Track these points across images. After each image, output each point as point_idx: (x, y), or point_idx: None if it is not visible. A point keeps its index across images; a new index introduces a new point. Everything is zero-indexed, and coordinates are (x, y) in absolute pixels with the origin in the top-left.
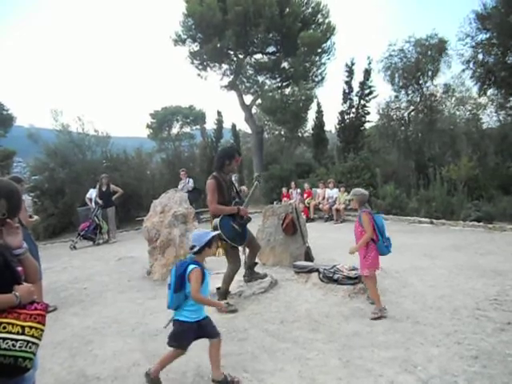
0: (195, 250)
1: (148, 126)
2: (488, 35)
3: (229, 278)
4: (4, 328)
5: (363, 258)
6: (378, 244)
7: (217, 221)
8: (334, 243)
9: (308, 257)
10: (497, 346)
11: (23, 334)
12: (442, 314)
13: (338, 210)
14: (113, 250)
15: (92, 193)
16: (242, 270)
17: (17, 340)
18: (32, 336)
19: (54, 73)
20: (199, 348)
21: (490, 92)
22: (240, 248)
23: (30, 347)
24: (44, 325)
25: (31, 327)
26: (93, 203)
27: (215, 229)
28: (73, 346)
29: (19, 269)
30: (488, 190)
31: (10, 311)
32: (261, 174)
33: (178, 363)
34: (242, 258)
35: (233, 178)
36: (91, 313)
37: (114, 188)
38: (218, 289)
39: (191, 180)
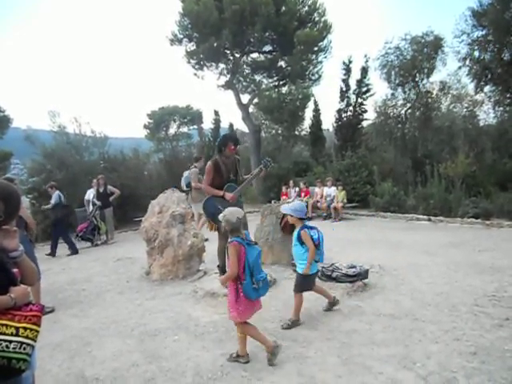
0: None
1: (145, 127)
2: (484, 32)
3: (221, 254)
4: None
5: (235, 300)
6: (243, 284)
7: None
8: (332, 241)
9: None
10: (495, 341)
11: (17, 335)
12: (441, 311)
13: (336, 209)
14: (111, 250)
15: (90, 194)
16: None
17: (11, 341)
18: (26, 337)
19: (50, 74)
20: (198, 348)
21: (486, 89)
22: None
23: (25, 348)
24: (39, 326)
25: (26, 328)
26: (90, 204)
27: (204, 207)
28: (71, 347)
29: (15, 271)
30: (485, 187)
31: (5, 313)
32: (269, 160)
33: (177, 364)
34: None
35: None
36: (90, 314)
37: (111, 189)
38: (218, 266)
39: (57, 194)
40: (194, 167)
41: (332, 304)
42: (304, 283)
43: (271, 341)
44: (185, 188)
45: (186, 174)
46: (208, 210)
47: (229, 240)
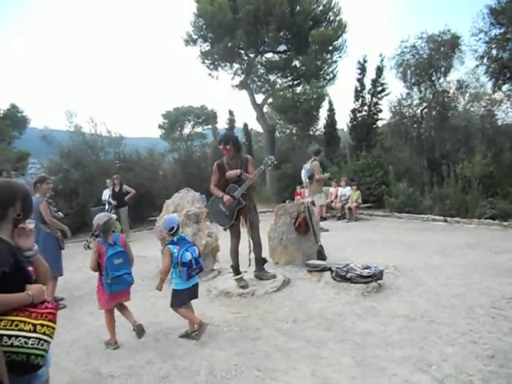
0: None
1: (160, 127)
2: (502, 30)
3: (233, 254)
4: (16, 326)
5: (98, 290)
6: (102, 278)
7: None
8: (346, 242)
9: (321, 255)
10: None
11: (35, 331)
12: (457, 313)
13: (350, 209)
14: None
15: (106, 194)
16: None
17: (29, 337)
18: (44, 334)
19: (67, 75)
20: (212, 347)
21: (505, 87)
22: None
23: (42, 344)
24: (55, 323)
25: (43, 325)
26: (106, 203)
27: (209, 207)
28: (88, 344)
29: (30, 269)
30: (503, 187)
31: (22, 309)
32: (271, 158)
33: (191, 362)
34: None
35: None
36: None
37: (127, 188)
38: (232, 266)
39: None
40: (314, 160)
41: (199, 329)
42: (175, 298)
43: (115, 337)
44: (307, 180)
45: (307, 166)
46: (212, 211)
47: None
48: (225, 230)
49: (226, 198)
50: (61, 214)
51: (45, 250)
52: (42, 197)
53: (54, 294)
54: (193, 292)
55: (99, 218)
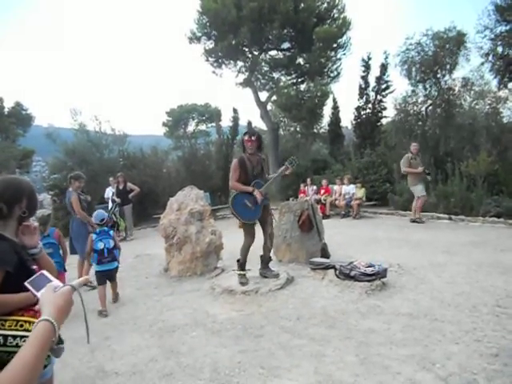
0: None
1: (164, 125)
2: (508, 27)
3: (243, 251)
4: (21, 326)
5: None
6: None
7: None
8: (350, 240)
9: (324, 253)
10: None
11: None
12: (461, 311)
13: (359, 205)
14: (130, 247)
15: (109, 192)
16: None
17: None
18: None
19: (71, 73)
20: (216, 344)
21: (510, 85)
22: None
23: None
24: None
25: None
26: (109, 201)
27: (231, 203)
28: (92, 340)
29: (34, 267)
30: (508, 185)
31: (27, 309)
32: (294, 158)
33: (195, 360)
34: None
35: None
36: (109, 309)
37: (131, 186)
38: (238, 260)
39: None
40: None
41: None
42: (96, 277)
43: None
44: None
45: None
46: (236, 205)
47: None
48: (240, 227)
49: (258, 193)
50: (89, 197)
51: (78, 235)
52: (74, 191)
53: (88, 274)
54: (106, 275)
55: (40, 212)
